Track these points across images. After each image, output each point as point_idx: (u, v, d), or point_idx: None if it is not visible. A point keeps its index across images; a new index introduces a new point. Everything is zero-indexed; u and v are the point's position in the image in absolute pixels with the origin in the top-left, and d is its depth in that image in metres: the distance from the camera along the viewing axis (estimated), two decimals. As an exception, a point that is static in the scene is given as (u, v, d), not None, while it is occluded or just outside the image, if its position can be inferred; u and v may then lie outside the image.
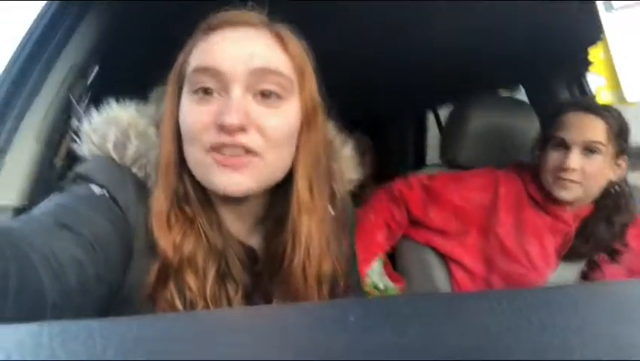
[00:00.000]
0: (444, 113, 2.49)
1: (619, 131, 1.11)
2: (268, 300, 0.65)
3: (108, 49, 1.08)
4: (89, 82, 1.08)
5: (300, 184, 0.63)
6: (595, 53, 0.74)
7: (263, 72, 0.58)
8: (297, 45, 0.63)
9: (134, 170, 0.63)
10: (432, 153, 2.57)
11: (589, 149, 1.10)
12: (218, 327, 0.24)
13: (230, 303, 0.63)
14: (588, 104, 1.15)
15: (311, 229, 0.63)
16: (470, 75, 1.75)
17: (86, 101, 1.09)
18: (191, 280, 0.60)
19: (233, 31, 0.60)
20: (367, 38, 1.35)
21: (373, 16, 1.20)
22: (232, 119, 0.55)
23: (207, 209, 0.63)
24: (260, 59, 0.58)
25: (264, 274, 0.66)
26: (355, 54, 1.48)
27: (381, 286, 1.31)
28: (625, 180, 1.25)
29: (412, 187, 1.33)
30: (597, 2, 0.72)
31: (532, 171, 1.24)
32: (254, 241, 0.68)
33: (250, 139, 0.57)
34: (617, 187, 1.18)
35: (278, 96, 0.60)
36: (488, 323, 0.21)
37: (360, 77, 1.80)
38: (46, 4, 0.93)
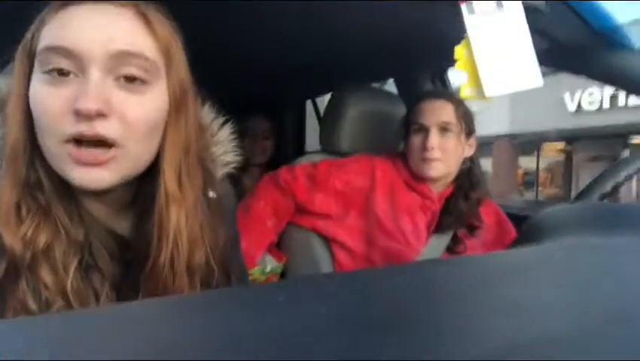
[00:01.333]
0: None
1: (464, 113, 1.30)
2: (139, 290, 0.61)
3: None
4: None
5: (168, 174, 0.59)
6: (459, 52, 0.82)
7: (124, 55, 0.53)
8: (164, 26, 0.59)
9: None
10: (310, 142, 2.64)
11: (443, 129, 1.28)
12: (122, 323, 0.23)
13: (97, 296, 0.59)
14: (437, 93, 1.39)
15: (180, 220, 0.59)
16: (346, 68, 1.82)
17: None
18: (47, 276, 0.54)
19: (92, 9, 0.54)
20: (246, 26, 1.34)
21: (254, 6, 1.19)
22: (89, 103, 0.50)
23: (64, 196, 0.57)
24: (122, 42, 0.53)
25: (135, 263, 0.61)
26: (232, 41, 1.46)
27: (268, 268, 1.33)
28: (478, 163, 1.45)
29: (296, 176, 1.37)
30: (461, 4, 0.80)
31: (402, 158, 1.38)
32: (123, 227, 0.63)
33: (111, 128, 0.52)
34: (470, 167, 1.37)
35: (143, 81, 0.55)
36: (408, 294, 0.23)
37: (242, 64, 1.78)
38: None
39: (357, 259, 1.32)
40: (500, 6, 0.79)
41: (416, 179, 1.33)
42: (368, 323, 0.20)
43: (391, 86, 2.02)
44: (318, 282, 0.25)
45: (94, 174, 0.53)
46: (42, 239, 0.54)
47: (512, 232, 1.38)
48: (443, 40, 0.93)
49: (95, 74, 0.52)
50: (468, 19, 0.78)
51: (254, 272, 1.31)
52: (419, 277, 0.26)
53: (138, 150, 0.56)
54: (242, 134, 2.09)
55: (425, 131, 1.29)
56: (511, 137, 11.51)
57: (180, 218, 0.59)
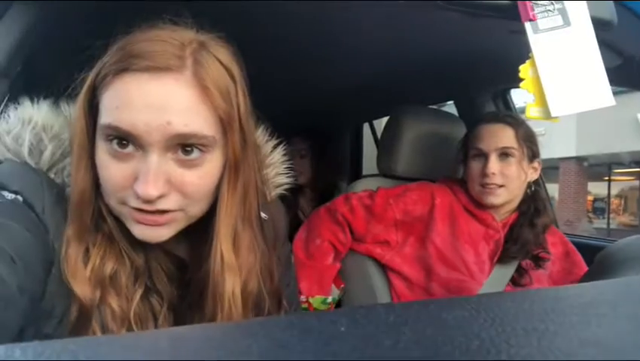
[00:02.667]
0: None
1: (526, 135, 1.24)
2: (195, 310, 0.62)
3: (33, 47, 1.01)
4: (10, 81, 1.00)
5: (223, 234, 0.59)
6: (524, 71, 0.79)
7: (182, 137, 0.54)
8: (221, 86, 0.57)
9: (51, 175, 0.60)
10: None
11: (504, 154, 1.22)
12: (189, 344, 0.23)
13: (155, 318, 0.61)
14: (496, 116, 1.32)
15: (234, 287, 0.60)
16: (404, 89, 1.82)
17: (5, 102, 1.01)
18: (114, 303, 0.57)
19: (150, 80, 0.53)
20: (306, 51, 1.37)
21: (312, 30, 1.21)
22: (150, 190, 0.52)
23: (125, 226, 0.58)
24: (179, 124, 0.53)
25: (192, 284, 0.62)
26: (293, 65, 1.49)
27: (329, 299, 1.31)
28: (544, 187, 1.38)
29: (354, 209, 1.35)
30: (525, 23, 0.77)
31: (460, 184, 1.33)
32: (182, 250, 0.64)
33: (170, 203, 0.55)
34: (535, 191, 1.30)
35: (200, 151, 0.56)
36: (475, 329, 0.22)
37: (298, 87, 1.82)
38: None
39: (415, 288, 1.27)
40: (567, 22, 0.76)
41: (478, 206, 1.28)
42: (434, 358, 0.19)
43: (450, 107, 1.98)
44: (379, 312, 0.24)
45: (154, 232, 0.56)
46: (109, 267, 0.57)
47: (581, 264, 1.29)
48: (506, 59, 0.90)
49: (154, 156, 0.53)
50: (533, 38, 0.75)
51: (314, 302, 1.30)
52: (484, 312, 0.25)
53: (196, 209, 0.59)
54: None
55: (484, 156, 1.24)
56: (579, 160, 10.93)
57: (235, 284, 0.60)
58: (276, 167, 0.75)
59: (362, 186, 1.49)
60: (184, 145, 0.55)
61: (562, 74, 0.77)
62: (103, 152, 0.55)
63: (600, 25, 0.83)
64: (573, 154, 10.53)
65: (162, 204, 0.54)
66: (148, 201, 0.53)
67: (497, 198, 1.22)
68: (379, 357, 0.19)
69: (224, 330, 0.28)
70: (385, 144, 1.55)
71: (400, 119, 1.52)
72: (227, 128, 0.58)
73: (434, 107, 1.99)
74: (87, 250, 0.57)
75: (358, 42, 1.29)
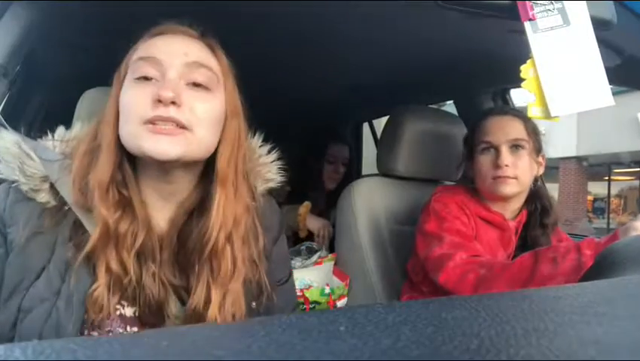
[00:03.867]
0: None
1: (533, 129, 1.23)
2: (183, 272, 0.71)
3: (32, 47, 1.01)
4: (9, 80, 1.00)
5: (221, 160, 0.71)
6: (525, 71, 0.79)
7: (195, 65, 0.69)
8: (223, 56, 0.75)
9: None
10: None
11: (515, 146, 1.20)
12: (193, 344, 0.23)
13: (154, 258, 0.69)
14: (503, 109, 1.31)
15: (222, 199, 0.70)
16: (404, 90, 1.82)
17: (5, 99, 1.02)
18: (123, 252, 0.66)
19: (173, 37, 0.71)
20: (305, 50, 1.37)
21: (311, 30, 1.21)
22: (167, 92, 0.64)
23: (140, 196, 0.70)
24: (194, 56, 0.70)
25: (180, 253, 0.71)
26: (292, 65, 1.49)
27: (327, 290, 1.31)
28: (544, 186, 1.37)
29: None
30: (525, 23, 0.77)
31: (465, 191, 1.28)
32: (170, 224, 0.73)
33: (182, 114, 0.66)
34: (540, 189, 1.28)
35: (207, 88, 0.70)
36: (475, 328, 0.22)
37: (298, 86, 1.82)
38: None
39: (422, 289, 1.26)
40: (566, 22, 0.76)
41: (487, 209, 1.24)
42: (433, 358, 0.19)
43: (450, 107, 1.98)
44: (379, 312, 0.24)
45: (164, 144, 0.65)
46: (124, 226, 0.67)
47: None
48: (506, 59, 0.90)
49: (172, 76, 0.67)
50: (532, 37, 0.75)
51: (310, 295, 1.30)
52: (484, 311, 0.25)
53: (202, 134, 0.68)
54: (316, 159, 2.13)
55: (494, 149, 1.21)
56: (579, 159, 10.94)
57: (223, 196, 0.70)
58: (268, 166, 0.84)
59: (362, 185, 1.49)
60: (194, 81, 0.69)
61: (561, 73, 0.77)
62: (130, 86, 0.68)
63: (600, 25, 0.83)
64: (573, 154, 10.54)
65: (175, 113, 0.65)
66: (164, 106, 0.64)
67: (508, 186, 1.18)
68: (378, 357, 0.19)
69: (224, 330, 0.28)
70: (385, 144, 1.55)
71: (399, 118, 1.52)
72: (226, 80, 0.74)
73: (434, 106, 1.99)
74: (108, 193, 0.67)
75: (358, 42, 1.29)
